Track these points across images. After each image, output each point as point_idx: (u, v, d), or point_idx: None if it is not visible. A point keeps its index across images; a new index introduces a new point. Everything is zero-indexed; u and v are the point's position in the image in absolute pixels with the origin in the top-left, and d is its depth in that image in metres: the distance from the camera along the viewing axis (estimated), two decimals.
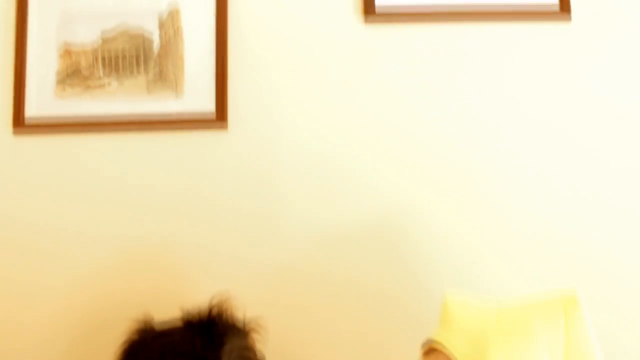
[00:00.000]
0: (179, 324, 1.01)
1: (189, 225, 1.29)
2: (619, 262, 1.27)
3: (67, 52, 1.31)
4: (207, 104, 1.29)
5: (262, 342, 1.07)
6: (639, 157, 1.30)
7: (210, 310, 1.01)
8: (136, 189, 1.30)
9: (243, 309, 1.06)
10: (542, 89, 1.32)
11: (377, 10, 1.32)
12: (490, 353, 0.88)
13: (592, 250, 1.28)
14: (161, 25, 1.31)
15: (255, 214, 1.29)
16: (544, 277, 1.24)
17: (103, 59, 1.30)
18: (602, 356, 0.93)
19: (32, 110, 1.30)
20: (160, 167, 1.30)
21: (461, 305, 0.97)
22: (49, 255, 1.30)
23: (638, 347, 1.25)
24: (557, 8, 1.33)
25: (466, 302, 0.98)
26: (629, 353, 1.22)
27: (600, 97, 1.32)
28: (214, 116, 1.28)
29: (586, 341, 0.92)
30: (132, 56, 1.30)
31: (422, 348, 0.99)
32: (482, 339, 0.90)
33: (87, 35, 1.31)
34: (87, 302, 1.29)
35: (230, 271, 1.26)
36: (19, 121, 1.29)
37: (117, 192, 1.30)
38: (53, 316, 1.29)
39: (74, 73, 1.30)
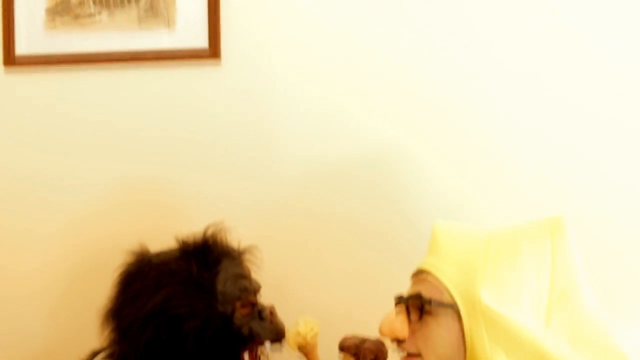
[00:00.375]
0: (175, 252, 1.02)
1: (182, 161, 1.30)
2: (605, 194, 1.29)
3: None
4: (199, 39, 1.27)
5: (257, 270, 1.09)
6: (625, 87, 1.30)
7: (205, 238, 1.02)
8: (128, 124, 1.29)
9: (238, 240, 1.09)
10: (527, 23, 1.30)
11: None
12: (478, 278, 0.90)
13: (578, 180, 1.29)
14: None
15: (248, 149, 1.30)
16: (530, 212, 1.25)
17: None
18: (586, 280, 0.96)
19: (23, 47, 1.28)
20: (153, 102, 1.29)
21: (449, 232, 0.98)
22: (42, 195, 1.30)
23: (618, 271, 1.28)
24: None
25: (454, 230, 0.99)
26: (611, 277, 1.25)
27: (587, 24, 1.30)
28: (207, 53, 1.27)
29: (572, 264, 0.94)
30: None
31: (412, 278, 1.01)
32: (470, 264, 0.91)
33: None
34: (82, 245, 1.30)
35: (224, 207, 1.26)
36: (9, 58, 1.28)
37: (109, 127, 1.29)
38: (49, 262, 1.30)
39: (64, 8, 1.28)
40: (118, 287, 1.02)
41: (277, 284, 1.20)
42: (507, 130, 1.30)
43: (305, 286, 1.29)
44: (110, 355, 1.00)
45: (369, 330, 1.00)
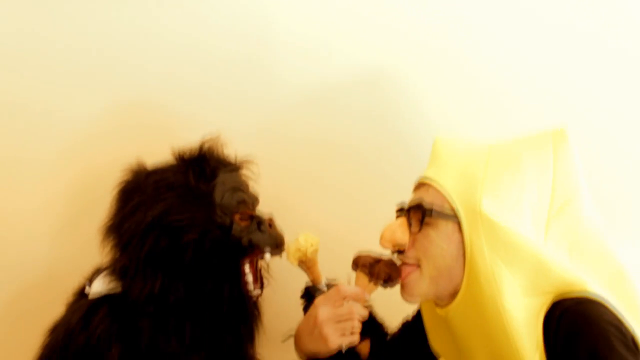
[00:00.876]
0: (172, 165, 1.01)
1: (178, 83, 1.26)
2: (606, 105, 1.27)
3: None
4: None
5: (254, 186, 1.08)
6: None
7: (201, 150, 1.01)
8: (120, 44, 1.25)
9: (234, 154, 1.07)
10: None
11: None
12: (479, 188, 0.89)
13: (578, 93, 1.27)
14: None
15: (245, 71, 1.26)
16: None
17: None
18: (587, 192, 0.95)
19: None
20: (143, 19, 1.24)
21: (450, 144, 0.97)
22: (35, 120, 1.26)
23: (619, 182, 1.27)
24: None
25: (455, 142, 0.98)
26: (612, 188, 1.25)
27: None
28: None
29: (573, 176, 0.93)
30: None
31: (413, 190, 1.00)
32: (472, 175, 0.90)
33: None
34: (80, 169, 1.28)
35: (220, 128, 1.24)
36: None
37: (101, 48, 1.24)
38: (48, 188, 1.28)
39: None
40: (117, 202, 1.01)
41: (274, 202, 1.18)
42: (503, 48, 1.27)
43: (303, 204, 1.29)
44: (112, 271, 0.99)
45: (366, 247, 1.00)
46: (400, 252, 0.94)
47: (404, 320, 1.14)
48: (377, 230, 0.96)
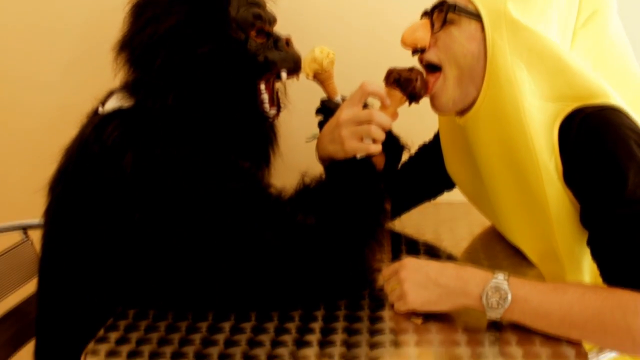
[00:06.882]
0: None
1: None
2: None
3: None
4: None
5: (272, 4, 1.04)
6: None
7: None
8: None
9: None
10: None
11: None
12: None
13: None
14: None
15: None
16: None
17: None
18: (615, 4, 0.90)
19: None
20: None
21: None
22: None
23: None
24: None
25: None
26: None
27: None
28: None
29: None
30: None
31: None
32: None
33: None
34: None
35: None
36: None
37: None
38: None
39: None
40: (129, 18, 0.97)
41: (291, 23, 1.11)
42: None
43: (322, 27, 1.24)
44: (125, 87, 0.96)
45: (383, 66, 0.96)
46: (422, 51, 0.91)
47: (422, 144, 1.13)
48: (398, 51, 0.92)
